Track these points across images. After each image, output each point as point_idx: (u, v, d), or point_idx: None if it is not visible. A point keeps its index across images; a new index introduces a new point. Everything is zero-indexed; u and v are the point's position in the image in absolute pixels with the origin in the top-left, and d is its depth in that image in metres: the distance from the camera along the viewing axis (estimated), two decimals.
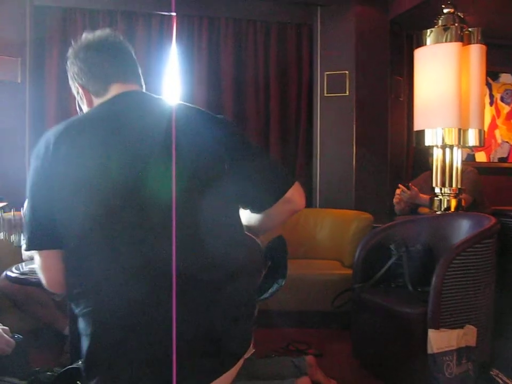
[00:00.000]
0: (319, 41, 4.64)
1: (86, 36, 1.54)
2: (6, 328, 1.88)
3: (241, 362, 1.44)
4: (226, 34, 4.56)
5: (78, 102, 1.61)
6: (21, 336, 1.99)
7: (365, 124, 4.58)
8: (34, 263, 1.47)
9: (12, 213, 2.19)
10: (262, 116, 4.66)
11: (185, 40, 4.45)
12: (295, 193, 1.52)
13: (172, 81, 4.39)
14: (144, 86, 1.57)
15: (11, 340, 1.88)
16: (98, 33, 1.54)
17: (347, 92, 4.54)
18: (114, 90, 1.49)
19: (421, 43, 3.40)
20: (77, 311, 1.39)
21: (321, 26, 4.63)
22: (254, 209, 1.55)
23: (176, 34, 4.40)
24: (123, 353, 1.30)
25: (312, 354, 2.72)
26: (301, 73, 4.73)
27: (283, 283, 1.60)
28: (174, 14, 4.40)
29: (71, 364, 2.49)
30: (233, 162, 1.43)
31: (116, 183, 1.33)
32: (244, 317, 1.45)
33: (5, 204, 3.62)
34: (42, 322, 3.00)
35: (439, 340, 2.34)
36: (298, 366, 2.52)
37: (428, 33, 3.34)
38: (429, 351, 2.34)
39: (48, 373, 2.08)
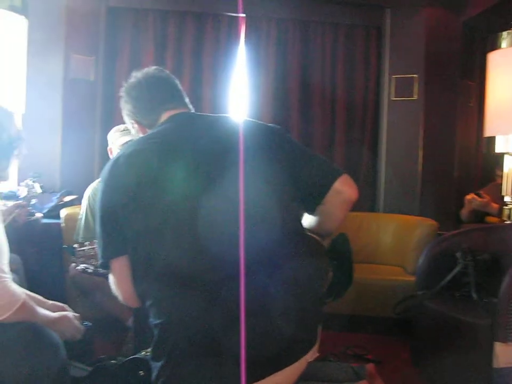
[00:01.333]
0: (387, 44, 4.57)
1: (136, 75, 1.69)
2: (77, 315, 1.95)
3: (304, 363, 1.44)
4: (294, 36, 4.56)
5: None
6: (90, 324, 2.06)
7: (433, 129, 4.47)
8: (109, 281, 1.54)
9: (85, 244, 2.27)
10: (327, 118, 4.62)
11: (253, 41, 4.48)
12: (344, 183, 1.53)
13: (238, 82, 4.44)
14: (192, 110, 1.71)
15: (81, 326, 1.94)
16: (146, 70, 1.69)
17: (415, 96, 4.45)
18: (165, 116, 1.62)
19: (495, 46, 3.29)
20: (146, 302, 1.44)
21: (390, 28, 4.56)
22: (308, 207, 1.57)
23: (244, 36, 4.44)
24: (189, 342, 1.35)
25: (370, 361, 2.68)
26: (368, 76, 4.67)
27: (350, 285, 1.59)
28: (242, 15, 4.44)
29: (134, 354, 2.57)
30: (289, 166, 1.49)
31: (184, 196, 1.39)
32: (311, 315, 1.46)
33: (74, 197, 3.77)
34: (106, 312, 3.09)
35: (507, 354, 2.26)
36: (357, 373, 2.48)
37: (504, 36, 3.23)
38: (495, 365, 2.26)
39: (113, 361, 2.14)
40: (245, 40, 4.43)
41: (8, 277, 1.66)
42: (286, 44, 4.55)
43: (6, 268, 1.66)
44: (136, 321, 2.44)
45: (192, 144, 1.46)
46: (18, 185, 3.26)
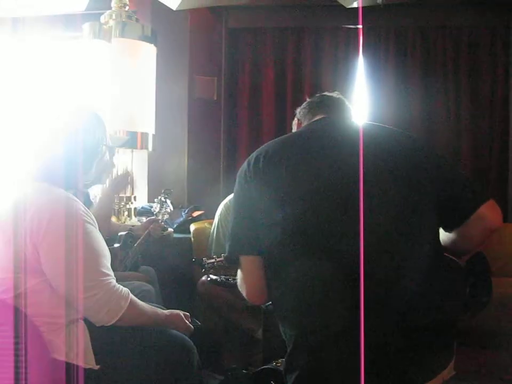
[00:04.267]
0: None
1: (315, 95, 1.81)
2: (187, 314, 1.97)
3: (440, 381, 1.39)
4: (414, 44, 4.45)
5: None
6: (199, 323, 2.09)
7: None
8: (237, 277, 1.58)
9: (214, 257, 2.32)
10: (452, 124, 4.44)
11: (372, 52, 4.44)
12: (489, 210, 1.45)
13: (359, 93, 4.41)
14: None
15: (190, 325, 1.97)
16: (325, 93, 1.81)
17: None
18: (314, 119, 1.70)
19: None
20: (278, 314, 1.46)
21: None
22: (446, 227, 1.50)
23: (362, 47, 4.41)
24: (320, 356, 1.35)
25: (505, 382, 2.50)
26: (495, 80, 4.43)
27: (488, 300, 1.51)
28: (360, 26, 4.42)
29: (264, 364, 2.62)
30: (431, 181, 1.42)
31: (323, 194, 1.40)
32: (446, 332, 1.41)
33: (201, 212, 3.93)
34: (234, 325, 3.18)
35: None
36: None
37: None
38: None
39: (244, 371, 2.19)
40: (363, 52, 4.39)
41: (112, 278, 1.72)
42: (405, 53, 4.45)
43: (109, 271, 1.72)
44: (265, 332, 2.48)
45: (330, 150, 1.47)
46: (151, 201, 3.45)
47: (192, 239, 3.51)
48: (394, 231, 1.36)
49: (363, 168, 1.34)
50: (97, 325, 1.68)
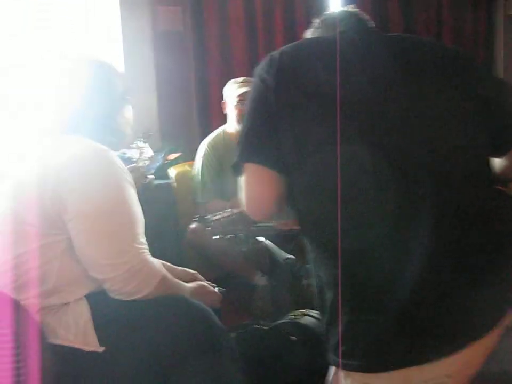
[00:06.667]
0: None
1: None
2: (211, 283, 1.84)
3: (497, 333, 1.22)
4: None
5: None
6: (224, 289, 1.94)
7: None
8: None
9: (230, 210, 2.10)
10: None
11: None
12: None
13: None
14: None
15: (218, 293, 1.83)
16: None
17: None
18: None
19: None
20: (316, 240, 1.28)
21: None
22: (497, 150, 1.32)
23: None
24: (366, 303, 1.19)
25: None
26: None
27: None
28: None
29: (267, 314, 2.48)
30: (481, 99, 1.26)
31: (353, 107, 1.20)
32: (501, 282, 1.22)
33: (178, 154, 3.67)
34: (226, 272, 3.00)
35: None
36: None
37: None
38: None
39: (256, 326, 2.02)
40: None
41: (146, 248, 1.54)
42: None
43: (143, 237, 1.54)
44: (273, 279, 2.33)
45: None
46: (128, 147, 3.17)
47: (175, 184, 3.26)
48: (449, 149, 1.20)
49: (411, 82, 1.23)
50: (115, 297, 1.48)
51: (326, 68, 1.23)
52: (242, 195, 1.31)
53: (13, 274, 1.46)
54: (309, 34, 1.54)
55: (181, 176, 3.27)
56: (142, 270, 1.48)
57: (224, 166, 3.09)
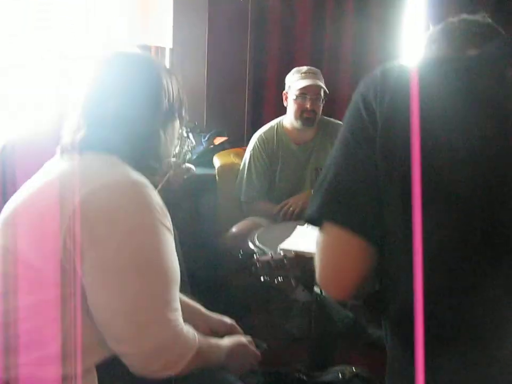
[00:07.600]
0: None
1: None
2: (250, 339, 1.50)
3: None
4: None
5: None
6: (266, 346, 1.61)
7: None
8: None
9: (270, 254, 1.74)
10: None
11: None
12: None
13: None
14: None
15: (257, 352, 1.49)
16: None
17: None
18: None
19: None
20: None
21: None
22: None
23: None
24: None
25: None
26: None
27: None
28: None
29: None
30: None
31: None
32: None
33: (225, 139, 3.31)
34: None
35: None
36: None
37: None
38: None
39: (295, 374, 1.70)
40: None
41: (179, 315, 1.22)
42: None
43: (177, 303, 1.22)
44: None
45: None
46: None
47: (217, 178, 2.91)
48: None
49: None
50: (138, 375, 1.17)
51: (464, 107, 0.87)
52: (317, 261, 0.96)
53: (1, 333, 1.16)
54: (423, 47, 1.16)
55: (225, 170, 2.93)
56: (172, 347, 1.17)
57: (273, 164, 2.75)
